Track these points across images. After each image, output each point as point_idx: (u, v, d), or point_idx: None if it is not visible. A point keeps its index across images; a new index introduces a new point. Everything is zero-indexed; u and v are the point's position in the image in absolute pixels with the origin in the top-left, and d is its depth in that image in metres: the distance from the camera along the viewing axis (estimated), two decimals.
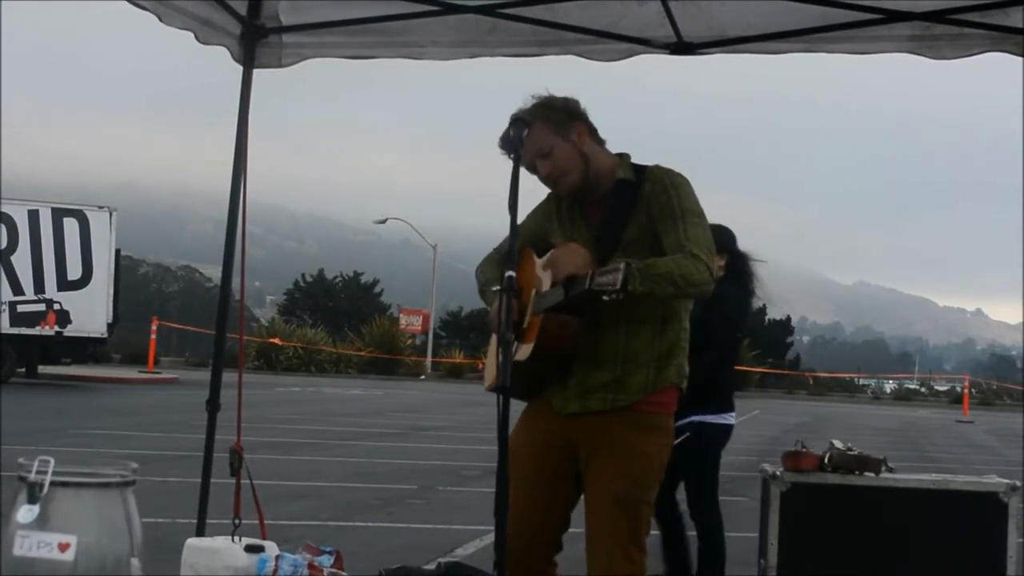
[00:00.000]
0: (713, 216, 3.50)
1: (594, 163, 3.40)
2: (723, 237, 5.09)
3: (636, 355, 3.33)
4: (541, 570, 3.45)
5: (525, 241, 3.53)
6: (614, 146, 3.51)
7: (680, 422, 5.15)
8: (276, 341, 36.94)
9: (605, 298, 3.00)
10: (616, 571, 3.29)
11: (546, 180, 3.43)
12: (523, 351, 3.25)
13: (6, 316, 22.09)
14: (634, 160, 3.48)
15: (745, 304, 5.32)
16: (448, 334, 53.64)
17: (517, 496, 3.03)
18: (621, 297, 2.99)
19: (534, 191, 3.58)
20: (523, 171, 3.22)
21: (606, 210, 3.41)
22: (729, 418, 5.24)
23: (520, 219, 3.22)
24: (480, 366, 34.11)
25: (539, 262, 3.38)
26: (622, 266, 2.96)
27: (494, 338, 3.41)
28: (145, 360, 30.23)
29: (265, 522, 4.52)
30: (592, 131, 3.44)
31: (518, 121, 3.21)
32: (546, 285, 3.27)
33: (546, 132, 3.34)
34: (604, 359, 3.33)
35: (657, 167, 3.44)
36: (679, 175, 3.40)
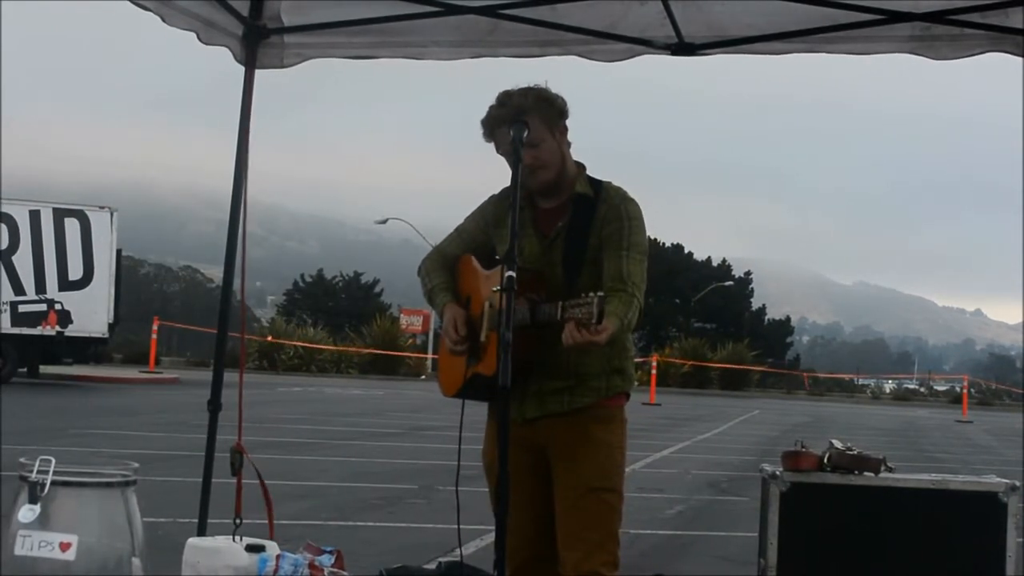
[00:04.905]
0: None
1: (566, 166, 3.45)
2: None
3: (588, 369, 3.40)
4: (548, 570, 3.45)
5: (465, 247, 3.61)
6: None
7: None
8: (270, 339, 36.85)
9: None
10: (595, 561, 3.31)
11: (525, 168, 3.41)
12: (486, 364, 3.28)
13: (7, 316, 22.08)
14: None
15: None
16: None
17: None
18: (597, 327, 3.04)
19: None
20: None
21: (566, 226, 3.43)
22: None
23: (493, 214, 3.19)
24: None
25: (486, 273, 3.40)
26: (595, 300, 3.02)
27: (445, 345, 3.49)
28: (146, 360, 30.22)
29: (270, 521, 4.53)
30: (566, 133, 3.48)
31: (519, 123, 3.22)
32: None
33: (540, 125, 3.35)
34: (559, 370, 3.39)
35: (614, 188, 3.49)
36: (634, 203, 3.46)
